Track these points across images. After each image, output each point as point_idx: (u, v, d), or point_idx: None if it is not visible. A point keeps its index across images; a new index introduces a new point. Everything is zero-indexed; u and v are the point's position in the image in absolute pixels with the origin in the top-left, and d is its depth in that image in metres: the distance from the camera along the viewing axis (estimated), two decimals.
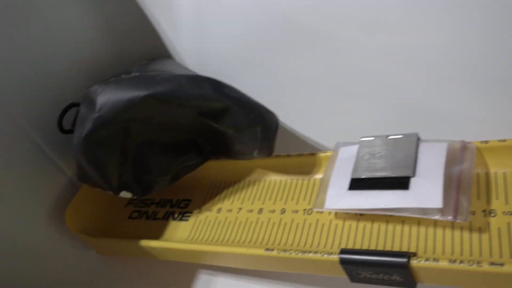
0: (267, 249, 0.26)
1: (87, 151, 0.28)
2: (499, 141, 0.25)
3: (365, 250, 0.25)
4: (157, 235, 0.33)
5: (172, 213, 0.35)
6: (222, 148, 0.32)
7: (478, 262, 0.21)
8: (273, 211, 0.30)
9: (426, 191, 0.24)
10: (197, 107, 0.28)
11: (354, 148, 0.28)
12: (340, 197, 0.26)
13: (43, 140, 0.34)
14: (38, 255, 0.35)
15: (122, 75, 0.29)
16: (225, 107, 0.28)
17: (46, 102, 0.34)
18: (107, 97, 0.27)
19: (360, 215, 0.27)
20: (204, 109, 0.28)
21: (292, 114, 0.34)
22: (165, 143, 0.32)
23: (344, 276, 0.25)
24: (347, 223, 0.27)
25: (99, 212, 0.37)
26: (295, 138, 0.35)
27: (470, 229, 0.23)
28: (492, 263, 0.20)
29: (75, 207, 0.36)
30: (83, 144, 0.28)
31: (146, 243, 0.31)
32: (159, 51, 0.37)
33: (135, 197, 0.32)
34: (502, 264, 0.20)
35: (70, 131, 0.32)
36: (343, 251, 0.24)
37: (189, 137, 0.32)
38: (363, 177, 0.26)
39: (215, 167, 0.34)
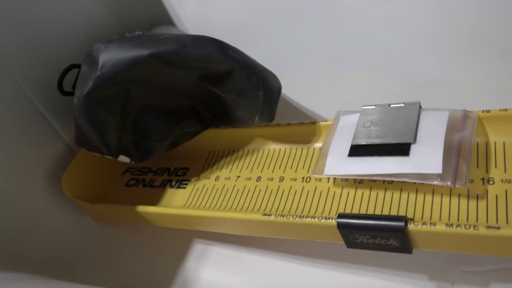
0: (264, 214, 0.26)
1: (87, 110, 0.28)
2: (501, 110, 0.25)
3: (363, 214, 0.25)
4: (154, 202, 0.33)
5: (170, 181, 0.35)
6: (223, 116, 0.32)
7: (475, 226, 0.21)
8: (272, 179, 0.30)
9: (426, 157, 0.24)
10: (200, 69, 0.28)
11: (355, 117, 0.28)
12: (340, 163, 0.26)
13: (42, 103, 0.34)
14: (34, 220, 0.35)
15: (125, 34, 0.28)
16: (228, 70, 0.27)
17: (46, 64, 0.33)
18: (110, 55, 0.27)
19: (358, 183, 0.27)
20: (207, 71, 0.28)
21: (294, 84, 0.34)
22: (166, 109, 0.31)
23: (340, 242, 0.25)
24: (346, 190, 0.27)
25: (96, 179, 0.37)
26: (296, 108, 0.35)
27: (468, 196, 0.24)
28: (489, 227, 0.20)
29: (72, 172, 0.35)
30: (83, 103, 0.27)
31: (142, 208, 0.31)
32: (161, 17, 0.37)
33: (132, 162, 0.32)
34: (498, 228, 0.20)
35: (71, 93, 0.32)
36: (340, 216, 0.24)
37: (190, 104, 0.32)
38: (363, 143, 0.26)
39: (214, 136, 0.34)
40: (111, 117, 0.29)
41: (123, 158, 0.31)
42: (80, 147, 0.34)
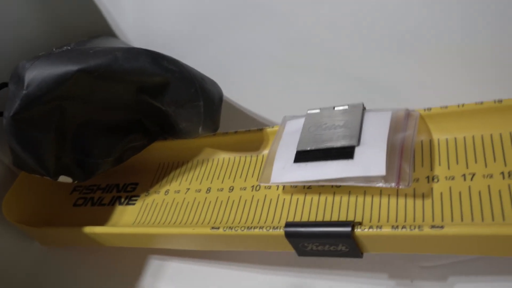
0: (213, 228, 0.25)
1: (17, 131, 0.26)
2: (441, 107, 0.25)
3: (309, 222, 0.24)
4: (103, 222, 0.32)
5: (119, 198, 0.33)
6: (167, 128, 0.30)
7: (420, 227, 0.20)
8: (221, 189, 0.29)
9: (370, 160, 0.23)
10: (135, 83, 0.27)
11: (301, 121, 0.27)
12: (285, 170, 0.25)
13: None
14: None
15: (53, 49, 0.27)
16: (164, 81, 0.26)
17: None
18: (36, 73, 0.25)
19: (307, 188, 0.26)
20: (143, 84, 0.27)
21: (239, 90, 0.33)
22: (108, 123, 0.30)
23: (291, 250, 0.25)
24: (295, 196, 0.26)
25: (41, 201, 0.35)
26: (243, 115, 0.34)
27: (414, 196, 0.23)
28: (433, 226, 0.20)
29: (13, 196, 0.33)
30: (11, 124, 0.26)
31: (90, 229, 0.30)
32: (100, 28, 0.35)
33: (75, 182, 0.30)
34: (442, 227, 0.20)
35: (2, 114, 0.30)
36: (288, 224, 0.24)
37: (133, 117, 0.31)
38: (308, 149, 0.25)
39: (162, 148, 0.33)
40: (44, 137, 0.27)
41: (64, 179, 0.30)
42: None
